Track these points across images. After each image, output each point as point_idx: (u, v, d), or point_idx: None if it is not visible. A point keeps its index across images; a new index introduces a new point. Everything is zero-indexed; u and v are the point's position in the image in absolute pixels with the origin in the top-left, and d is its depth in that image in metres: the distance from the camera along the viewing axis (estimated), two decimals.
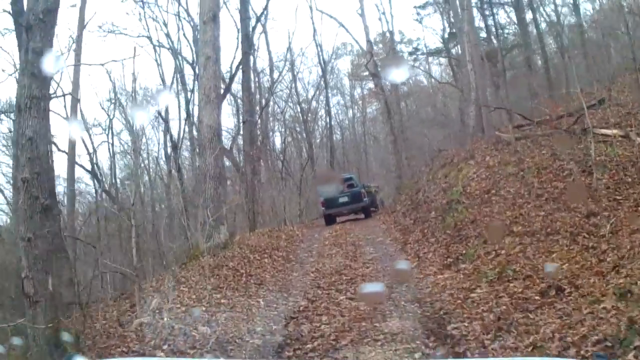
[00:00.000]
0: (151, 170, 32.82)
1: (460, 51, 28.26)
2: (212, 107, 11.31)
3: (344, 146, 46.43)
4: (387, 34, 31.21)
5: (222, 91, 12.76)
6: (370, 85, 49.29)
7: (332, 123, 42.76)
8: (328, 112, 39.34)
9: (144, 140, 34.33)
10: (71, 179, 21.95)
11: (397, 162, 26.52)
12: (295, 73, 38.23)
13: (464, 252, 8.90)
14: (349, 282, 8.28)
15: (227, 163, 32.36)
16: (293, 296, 7.88)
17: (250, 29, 21.68)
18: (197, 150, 12.67)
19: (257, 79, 31.39)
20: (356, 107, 50.96)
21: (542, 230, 8.44)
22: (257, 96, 30.60)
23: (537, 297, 6.44)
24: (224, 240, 11.23)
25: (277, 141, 36.51)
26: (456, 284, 7.50)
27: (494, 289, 6.99)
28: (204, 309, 7.01)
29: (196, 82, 23.46)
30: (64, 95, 10.97)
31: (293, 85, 35.15)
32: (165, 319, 7.01)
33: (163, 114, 24.79)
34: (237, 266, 9.56)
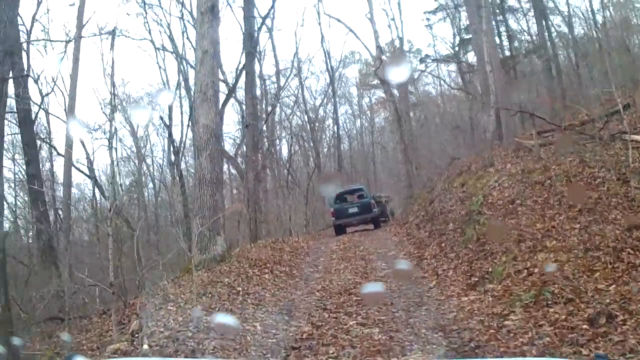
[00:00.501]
0: (155, 177, 32.10)
1: (472, 58, 27.34)
2: (209, 105, 10.34)
3: (351, 155, 45.61)
4: (397, 41, 30.31)
5: (219, 89, 11.73)
6: (379, 94, 48.62)
7: (340, 132, 42.00)
8: (336, 121, 38.49)
9: (148, 146, 33.70)
10: (68, 183, 21.05)
11: (407, 172, 25.50)
12: (303, 80, 37.51)
13: (490, 269, 7.82)
14: (359, 304, 7.22)
15: (233, 171, 31.57)
16: (295, 319, 6.83)
17: (256, 29, 20.76)
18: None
19: (263, 86, 30.60)
20: (364, 117, 50.25)
21: (579, 246, 7.37)
22: (263, 103, 29.82)
23: (585, 326, 5.38)
24: (220, 253, 10.21)
25: (284, 150, 35.59)
26: (485, 309, 6.43)
27: (531, 316, 5.92)
28: (190, 334, 5.97)
29: None
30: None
31: (300, 92, 34.24)
32: (145, 345, 6.00)
33: (166, 119, 23.99)
34: (233, 283, 8.52)
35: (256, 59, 27.95)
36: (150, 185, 32.39)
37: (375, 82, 50.53)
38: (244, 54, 20.29)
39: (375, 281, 8.94)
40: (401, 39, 29.61)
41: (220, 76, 24.24)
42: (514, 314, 6.00)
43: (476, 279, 7.67)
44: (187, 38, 30.04)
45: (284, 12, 57.18)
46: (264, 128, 28.21)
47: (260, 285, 8.70)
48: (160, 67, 37.73)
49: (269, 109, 28.73)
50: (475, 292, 7.23)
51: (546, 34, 24.43)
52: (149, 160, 33.03)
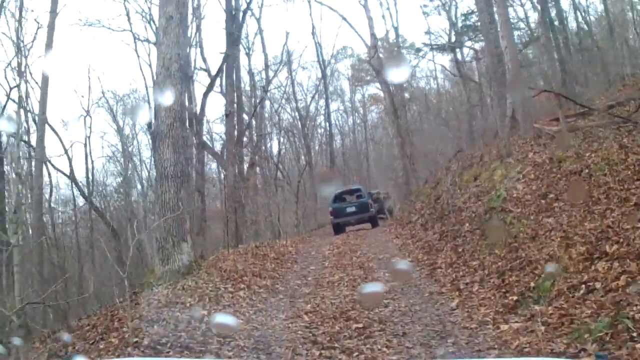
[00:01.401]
0: (143, 177, 30.17)
1: (468, 51, 25.56)
2: (173, 83, 8.41)
3: (344, 152, 43.92)
4: (392, 31, 28.50)
5: (190, 65, 9.86)
6: (372, 90, 47.02)
7: (332, 129, 40.26)
8: (327, 116, 36.64)
9: (135, 144, 31.76)
10: (39, 182, 19.06)
11: (404, 167, 23.66)
12: (293, 73, 35.68)
13: (531, 285, 5.95)
14: (360, 334, 5.34)
15: (216, 168, 29.60)
16: None
17: (241, 13, 18.79)
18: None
19: (251, 81, 28.63)
20: (356, 114, 48.60)
21: None
22: (252, 100, 27.91)
23: None
24: (186, 263, 8.28)
25: (275, 147, 33.80)
26: (541, 344, 4.56)
27: (614, 357, 4.07)
28: None
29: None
30: None
31: (289, 84, 32.42)
32: None
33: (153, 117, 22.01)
34: (197, 303, 6.61)
35: (243, 50, 26.07)
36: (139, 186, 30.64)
37: (368, 77, 49.05)
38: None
39: (378, 297, 7.06)
40: (396, 29, 27.75)
41: (203, 65, 22.39)
42: (589, 357, 4.14)
43: (515, 298, 5.78)
44: None
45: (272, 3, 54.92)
46: (253, 123, 26.35)
47: (232, 306, 6.79)
48: (147, 63, 35.66)
49: (257, 101, 26.73)
50: (518, 317, 5.35)
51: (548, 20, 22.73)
52: (136, 160, 31.12)
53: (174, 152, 8.30)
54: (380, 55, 25.21)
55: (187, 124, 11.16)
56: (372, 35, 23.30)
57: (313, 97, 37.34)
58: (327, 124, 38.23)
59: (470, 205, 9.93)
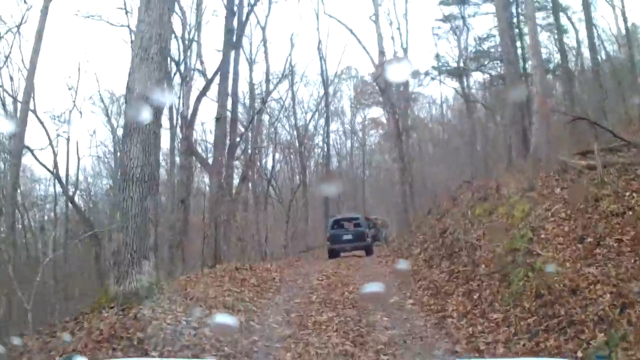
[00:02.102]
0: None
1: (478, 76, 24.48)
2: (151, 67, 7.04)
3: (340, 174, 42.57)
4: (401, 51, 27.42)
5: (168, 48, 8.58)
6: (373, 114, 46.11)
7: (330, 150, 39.13)
8: (327, 135, 35.35)
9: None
10: (14, 181, 17.65)
11: (403, 194, 22.38)
12: (295, 89, 34.62)
13: (578, 354, 4.57)
14: None
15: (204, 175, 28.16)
16: None
17: (245, 13, 17.61)
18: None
19: (251, 92, 27.42)
20: (355, 137, 47.53)
21: None
22: (251, 109, 26.69)
23: None
24: (147, 285, 6.84)
25: (269, 163, 32.52)
26: None
27: None
28: None
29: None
30: None
31: (289, 96, 31.26)
32: None
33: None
34: (144, 345, 5.16)
35: (244, 57, 24.94)
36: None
37: (370, 100, 48.12)
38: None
39: (376, 350, 5.63)
40: (405, 50, 26.65)
41: (199, 66, 21.15)
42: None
43: None
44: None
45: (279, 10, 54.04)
46: (249, 136, 25.11)
47: (191, 348, 5.33)
48: None
49: (255, 112, 25.45)
50: None
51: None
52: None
53: (142, 151, 6.91)
54: (387, 74, 24.14)
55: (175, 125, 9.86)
56: (381, 52, 22.17)
57: (313, 115, 36.22)
58: (326, 145, 36.90)
59: (486, 243, 8.55)
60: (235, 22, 17.00)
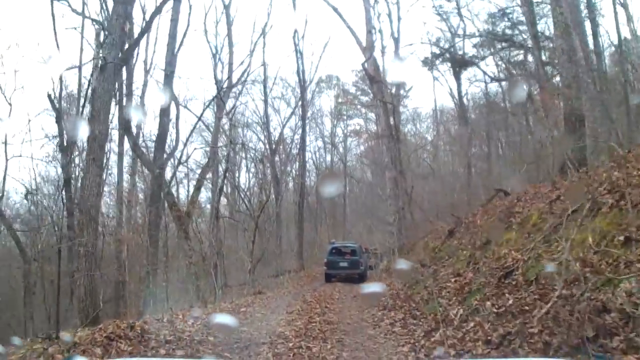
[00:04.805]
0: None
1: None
2: None
3: (317, 189, 38.15)
4: (391, 41, 23.26)
5: None
6: (353, 126, 42.03)
7: (309, 165, 35.01)
8: (302, 141, 30.89)
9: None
10: None
11: (397, 211, 17.98)
12: (267, 88, 30.35)
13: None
14: None
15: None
16: None
17: None
18: None
19: (219, 90, 23.03)
20: (335, 151, 43.44)
21: None
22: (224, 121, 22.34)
23: None
24: None
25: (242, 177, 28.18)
26: None
27: None
28: None
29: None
30: None
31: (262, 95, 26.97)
32: None
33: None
34: None
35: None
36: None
37: (351, 112, 44.01)
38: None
39: None
40: (396, 39, 22.37)
41: None
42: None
43: None
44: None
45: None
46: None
47: None
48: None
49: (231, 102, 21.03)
50: None
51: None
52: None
53: None
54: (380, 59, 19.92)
55: None
56: (369, 32, 17.88)
57: (288, 119, 31.92)
58: (300, 157, 32.33)
59: (563, 287, 4.06)
60: None
